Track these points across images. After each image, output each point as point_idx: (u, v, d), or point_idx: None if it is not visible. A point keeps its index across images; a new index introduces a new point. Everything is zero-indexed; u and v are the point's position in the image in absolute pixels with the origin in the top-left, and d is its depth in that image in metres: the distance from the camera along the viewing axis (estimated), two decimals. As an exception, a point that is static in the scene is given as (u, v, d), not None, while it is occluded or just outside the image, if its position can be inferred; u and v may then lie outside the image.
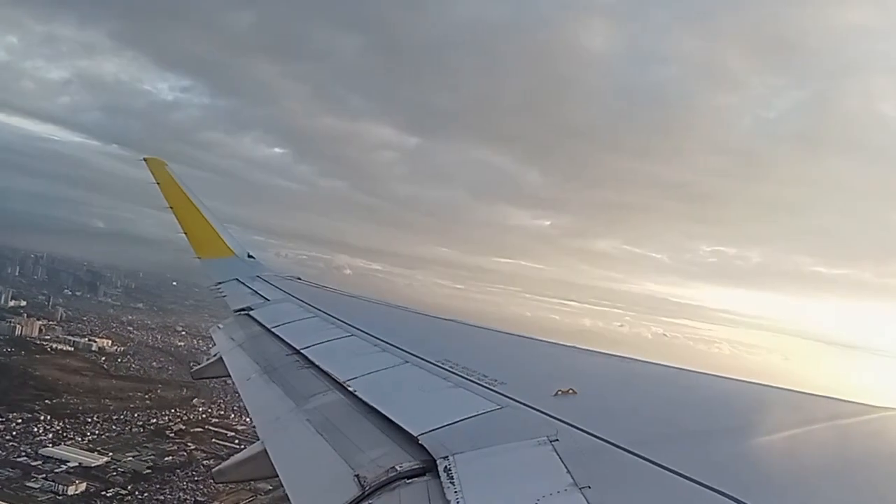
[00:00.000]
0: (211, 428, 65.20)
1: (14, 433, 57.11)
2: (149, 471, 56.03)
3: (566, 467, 3.13)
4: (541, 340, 6.77)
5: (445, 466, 3.35)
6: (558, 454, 3.30)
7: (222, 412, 69.52)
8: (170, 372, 79.68)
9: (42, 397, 64.57)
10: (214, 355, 8.68)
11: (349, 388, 5.07)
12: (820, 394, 4.59)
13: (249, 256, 14.53)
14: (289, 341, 7.12)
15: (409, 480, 3.39)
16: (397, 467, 3.50)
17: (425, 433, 3.82)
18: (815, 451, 3.54)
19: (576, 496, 2.83)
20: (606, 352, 6.07)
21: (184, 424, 65.68)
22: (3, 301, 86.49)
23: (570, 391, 4.29)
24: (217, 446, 61.25)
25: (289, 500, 3.62)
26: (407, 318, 8.91)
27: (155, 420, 65.81)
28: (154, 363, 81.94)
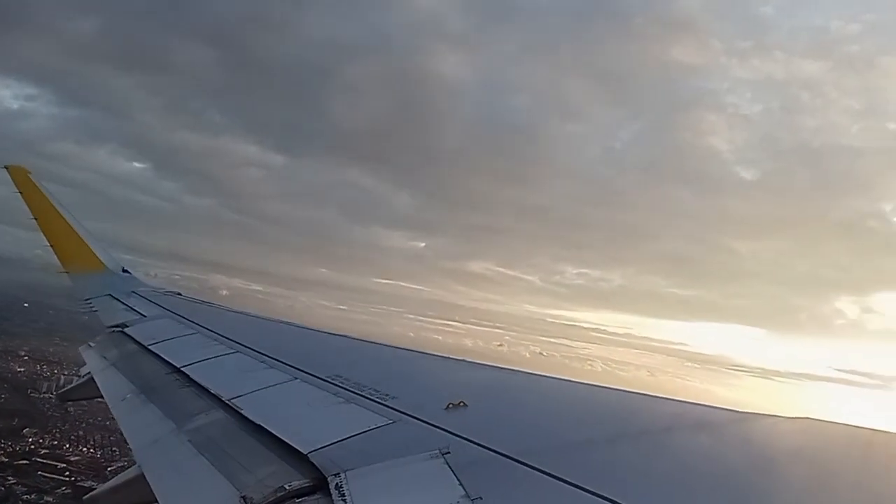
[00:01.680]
0: (39, 460, 59.50)
1: None
2: None
3: (458, 480, 3.15)
4: (431, 355, 6.80)
5: (337, 483, 3.29)
6: (450, 467, 3.32)
7: (56, 442, 63.81)
8: (1, 399, 72.69)
9: None
10: (84, 375, 8.11)
11: (234, 407, 4.88)
12: (691, 401, 4.90)
13: (124, 271, 13.71)
14: (168, 359, 6.78)
15: (300, 499, 3.31)
16: (286, 486, 3.40)
17: (315, 450, 3.73)
18: (688, 452, 3.77)
19: None
20: (495, 365, 6.20)
21: (6, 457, 59.73)
22: None
23: (461, 404, 4.34)
24: (42, 479, 55.90)
25: None
26: (295, 333, 8.70)
27: None
28: None
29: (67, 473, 56.56)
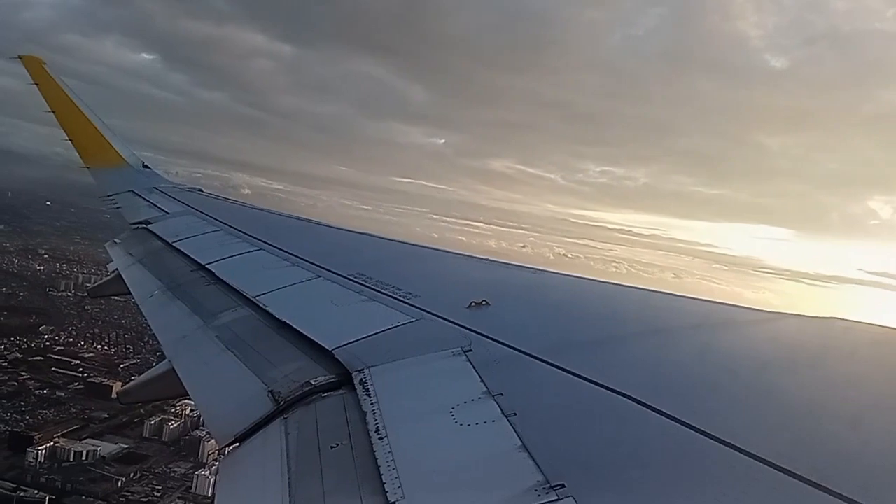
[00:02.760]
0: (53, 357, 61.67)
1: None
2: None
3: (480, 377, 3.21)
4: (454, 253, 6.81)
5: (361, 379, 3.37)
6: (472, 364, 3.38)
7: (71, 340, 65.81)
8: (20, 298, 74.55)
9: None
10: (112, 272, 8.27)
11: (259, 304, 4.97)
12: (715, 300, 4.89)
13: (144, 166, 13.65)
14: (193, 256, 6.87)
15: (325, 394, 3.40)
16: (312, 381, 3.49)
17: (339, 347, 3.81)
18: (711, 350, 3.79)
19: (489, 404, 2.91)
20: (518, 263, 6.20)
21: (21, 353, 61.72)
22: None
23: (483, 303, 4.37)
24: (56, 375, 58.08)
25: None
26: (317, 232, 8.74)
27: None
28: (3, 289, 75.87)
29: (81, 370, 59.03)
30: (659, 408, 2.72)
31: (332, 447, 2.88)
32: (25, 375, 57.54)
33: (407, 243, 7.49)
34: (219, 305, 5.28)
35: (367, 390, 3.25)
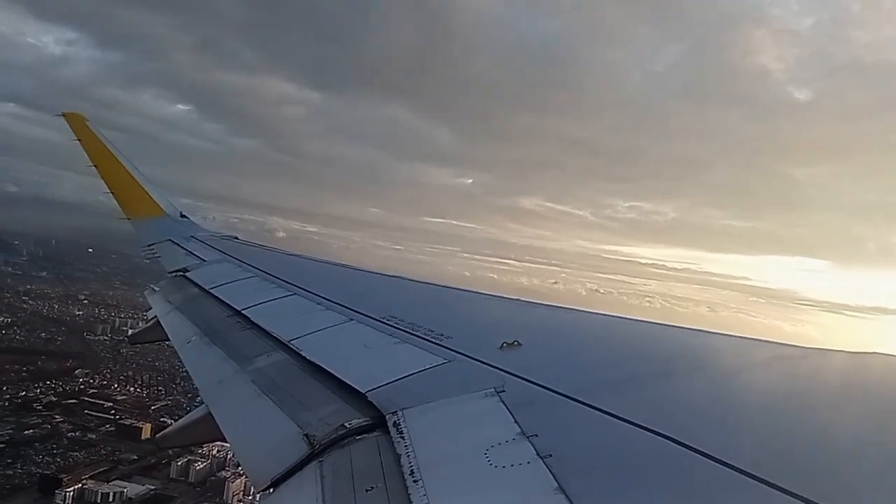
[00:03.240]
0: (87, 399, 62.69)
1: None
2: (2, 446, 53.24)
3: (513, 417, 3.19)
4: (485, 294, 6.83)
5: (394, 421, 3.38)
6: (505, 405, 3.36)
7: (105, 382, 66.90)
8: (58, 342, 76.11)
9: None
10: (151, 319, 8.44)
11: (294, 348, 5.02)
12: (750, 336, 4.81)
13: (182, 216, 14.02)
14: (228, 302, 6.98)
15: (359, 437, 3.41)
16: (346, 424, 3.51)
17: (373, 389, 3.83)
18: (750, 389, 3.71)
19: (524, 445, 2.89)
20: (549, 303, 6.19)
21: (56, 396, 62.65)
22: None
23: (515, 343, 4.36)
24: (89, 418, 58.99)
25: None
26: (349, 275, 8.84)
27: (24, 393, 62.23)
28: (43, 334, 77.66)
29: (113, 412, 59.79)
30: (699, 448, 2.68)
31: (367, 490, 2.88)
32: (59, 418, 58.48)
33: (437, 285, 7.52)
34: (254, 350, 5.35)
35: (401, 432, 3.25)
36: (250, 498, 46.93)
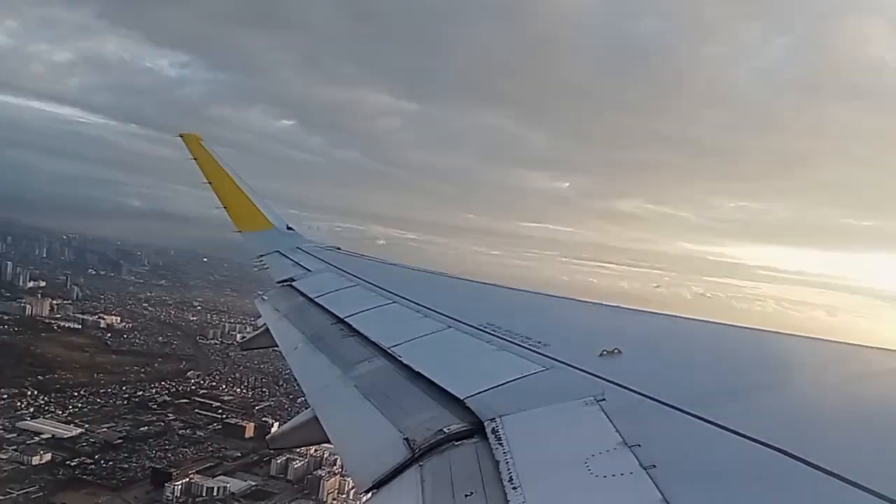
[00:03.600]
0: (197, 399, 66.24)
1: None
2: (120, 441, 56.85)
3: (614, 426, 3.12)
4: (583, 301, 6.72)
5: (493, 428, 3.38)
6: (606, 414, 3.30)
7: (214, 384, 70.53)
8: (173, 346, 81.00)
9: (35, 373, 65.40)
10: (261, 326, 8.85)
11: (394, 354, 5.13)
12: (870, 344, 4.48)
13: (289, 228, 14.61)
14: (332, 310, 7.22)
15: (458, 442, 3.44)
16: (445, 430, 3.55)
17: (471, 396, 3.85)
18: (870, 401, 3.47)
19: (626, 454, 2.82)
20: (650, 310, 6.02)
21: (169, 396, 66.53)
22: (21, 282, 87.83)
23: (616, 351, 4.27)
24: (198, 416, 62.31)
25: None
26: (447, 284, 8.93)
27: (142, 392, 66.53)
28: (160, 338, 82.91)
29: (220, 411, 63.14)
30: (813, 461, 2.53)
31: (466, 495, 2.89)
32: (171, 416, 62.40)
33: (535, 292, 7.47)
34: (356, 356, 5.51)
35: (500, 439, 3.25)
36: (344, 496, 48.39)
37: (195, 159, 14.58)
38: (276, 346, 7.22)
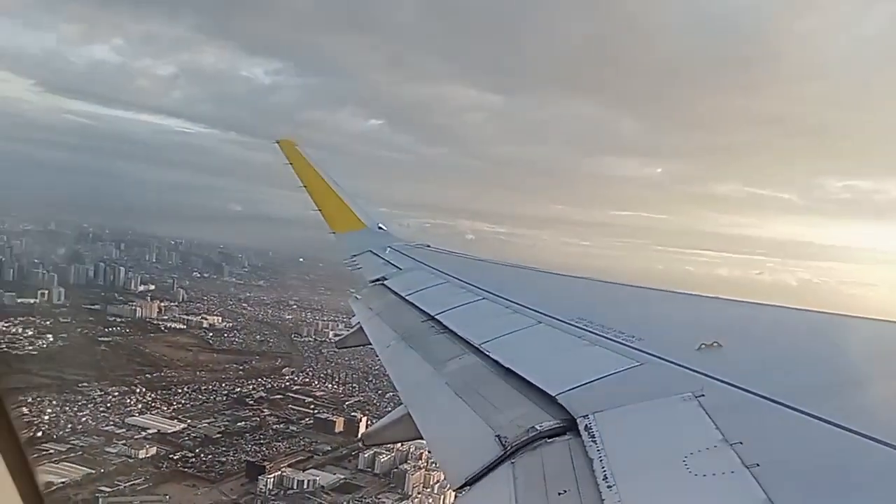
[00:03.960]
0: (291, 395, 68.16)
1: (108, 404, 61.04)
2: (219, 435, 59.04)
3: (714, 423, 3.00)
4: (679, 293, 6.50)
5: (586, 425, 3.33)
6: (705, 410, 3.18)
7: (307, 380, 72.52)
8: (270, 344, 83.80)
9: (143, 372, 68.84)
10: (355, 325, 9.06)
11: (484, 351, 5.14)
12: None
13: (380, 228, 14.91)
14: (423, 308, 7.31)
15: (550, 440, 3.40)
16: (537, 427, 3.52)
17: (563, 392, 3.80)
18: None
19: (727, 453, 2.71)
20: (751, 300, 5.74)
21: (265, 392, 68.61)
22: (133, 286, 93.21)
23: (715, 344, 4.10)
24: (291, 411, 64.28)
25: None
26: (537, 278, 8.86)
27: (239, 389, 68.89)
28: (258, 336, 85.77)
29: (312, 406, 65.37)
30: None
31: (559, 493, 2.86)
32: (267, 412, 65.20)
33: (627, 285, 7.29)
34: (447, 353, 5.55)
35: (593, 436, 3.19)
36: (428, 490, 49.21)
37: (291, 164, 15.14)
38: (370, 343, 7.38)
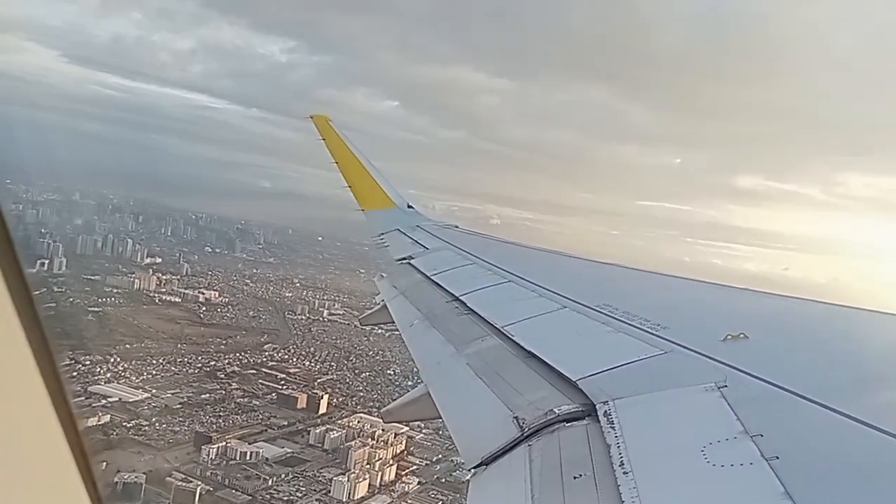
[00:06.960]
0: (265, 371, 68.48)
1: (75, 372, 62.08)
2: (179, 406, 58.76)
3: (735, 415, 2.98)
4: (706, 283, 6.42)
5: (605, 411, 3.32)
6: (727, 401, 3.15)
7: (286, 357, 72.76)
8: (261, 320, 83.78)
9: (123, 342, 68.18)
10: (379, 303, 9.11)
11: (507, 334, 5.13)
12: None
13: (409, 207, 14.86)
14: (448, 288, 7.32)
15: (568, 424, 3.40)
16: (556, 410, 3.52)
17: (584, 378, 3.79)
18: None
19: (746, 444, 2.68)
20: (779, 294, 5.65)
21: (239, 367, 68.47)
22: (139, 258, 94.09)
23: (741, 335, 4.05)
24: (259, 387, 64.10)
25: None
26: (563, 263, 8.81)
27: (215, 363, 68.43)
28: (251, 312, 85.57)
29: (282, 382, 65.68)
30: None
31: (575, 477, 2.86)
32: (234, 386, 65.78)
33: (654, 273, 7.22)
34: (470, 334, 5.56)
35: (612, 423, 3.18)
36: (369, 466, 49.90)
37: (323, 139, 15.08)
38: (393, 322, 7.42)
